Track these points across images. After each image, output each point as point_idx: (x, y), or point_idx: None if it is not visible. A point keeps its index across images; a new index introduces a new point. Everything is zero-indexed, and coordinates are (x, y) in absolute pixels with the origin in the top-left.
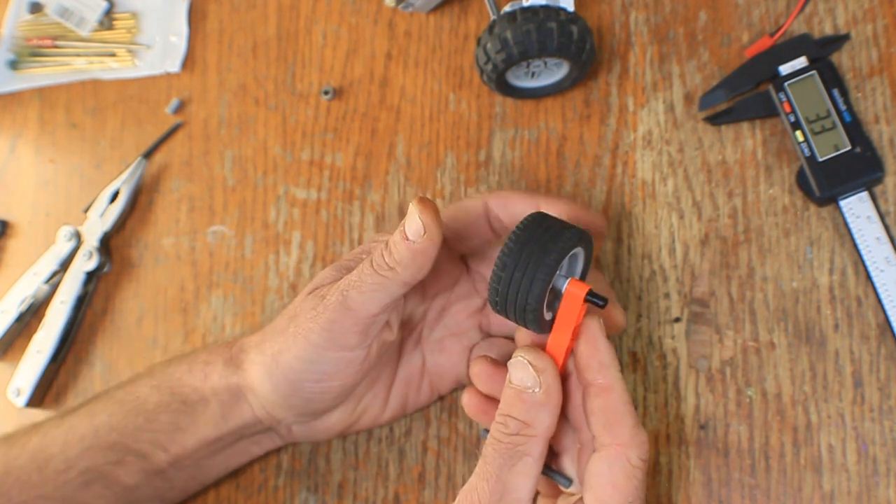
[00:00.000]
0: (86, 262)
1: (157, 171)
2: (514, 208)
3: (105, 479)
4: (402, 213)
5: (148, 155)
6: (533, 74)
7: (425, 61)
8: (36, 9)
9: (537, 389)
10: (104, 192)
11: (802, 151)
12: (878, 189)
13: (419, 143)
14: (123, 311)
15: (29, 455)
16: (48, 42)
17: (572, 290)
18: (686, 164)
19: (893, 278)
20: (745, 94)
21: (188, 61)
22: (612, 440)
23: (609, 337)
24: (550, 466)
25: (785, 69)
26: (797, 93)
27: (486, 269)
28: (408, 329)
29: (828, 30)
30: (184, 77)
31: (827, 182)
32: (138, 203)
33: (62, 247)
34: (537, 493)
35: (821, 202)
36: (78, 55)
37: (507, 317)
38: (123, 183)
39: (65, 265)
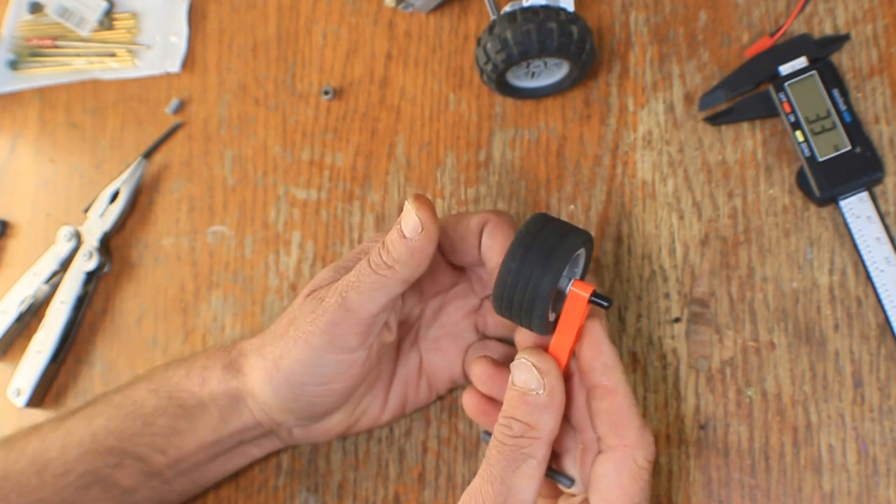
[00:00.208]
0: (86, 263)
1: (157, 171)
2: (495, 239)
3: (104, 482)
4: (401, 213)
5: (148, 155)
6: (533, 74)
7: (425, 61)
8: (36, 9)
9: (541, 391)
10: (104, 192)
11: (802, 151)
12: (878, 189)
13: (419, 143)
14: (123, 312)
15: (28, 459)
16: (48, 42)
17: (576, 290)
18: (686, 164)
19: (893, 278)
20: (745, 95)
21: (188, 61)
22: (618, 442)
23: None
24: (552, 467)
25: (785, 69)
26: (797, 93)
27: (482, 270)
28: (405, 328)
29: (828, 30)
30: (184, 77)
31: (827, 182)
32: (138, 203)
33: (62, 247)
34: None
35: (821, 202)
36: (78, 55)
37: (511, 318)
38: (123, 183)
39: (65, 265)
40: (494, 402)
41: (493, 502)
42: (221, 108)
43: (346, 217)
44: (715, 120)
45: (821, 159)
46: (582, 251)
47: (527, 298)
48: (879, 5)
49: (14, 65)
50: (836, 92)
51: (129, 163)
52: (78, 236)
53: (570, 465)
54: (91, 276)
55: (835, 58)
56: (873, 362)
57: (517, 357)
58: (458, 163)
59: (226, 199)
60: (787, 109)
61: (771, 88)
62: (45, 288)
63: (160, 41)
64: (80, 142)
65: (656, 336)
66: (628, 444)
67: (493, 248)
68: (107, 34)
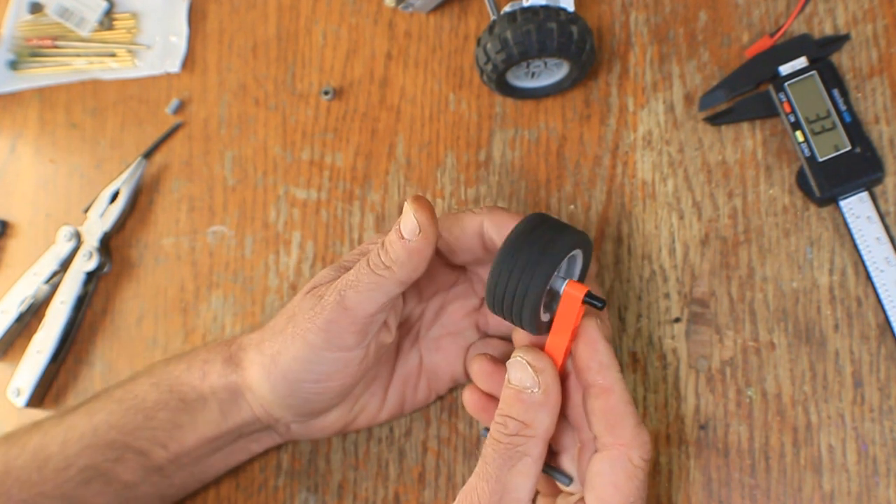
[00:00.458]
0: (86, 263)
1: (157, 171)
2: (506, 232)
3: (105, 476)
4: (401, 214)
5: (148, 155)
6: (533, 75)
7: (425, 61)
8: (36, 9)
9: (536, 390)
10: (104, 193)
11: (802, 151)
12: (878, 189)
13: (419, 143)
14: (123, 312)
15: (29, 454)
16: (48, 42)
17: (570, 291)
18: (686, 164)
19: (893, 278)
20: (745, 95)
21: (188, 61)
22: (614, 440)
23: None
24: (550, 465)
25: (785, 69)
26: (797, 93)
27: (483, 270)
28: (405, 328)
29: (828, 30)
30: (184, 77)
31: (827, 182)
32: (138, 203)
33: (62, 247)
34: (537, 493)
35: (821, 202)
36: (78, 55)
37: (503, 317)
38: (123, 183)
39: (65, 265)
40: (494, 399)
41: (488, 500)
42: (221, 108)
43: (346, 217)
44: (715, 120)
45: (821, 159)
46: (578, 252)
47: (517, 297)
48: (879, 5)
49: (14, 65)
50: (836, 92)
51: (129, 163)
52: (78, 236)
53: (568, 464)
54: (91, 276)
55: (835, 58)
56: (873, 362)
57: (513, 355)
58: (458, 163)
59: (226, 199)
60: (787, 109)
61: (771, 88)
62: (45, 288)
63: (160, 41)
64: (80, 142)
65: (656, 336)
66: (624, 443)
67: (500, 241)
68: (107, 34)
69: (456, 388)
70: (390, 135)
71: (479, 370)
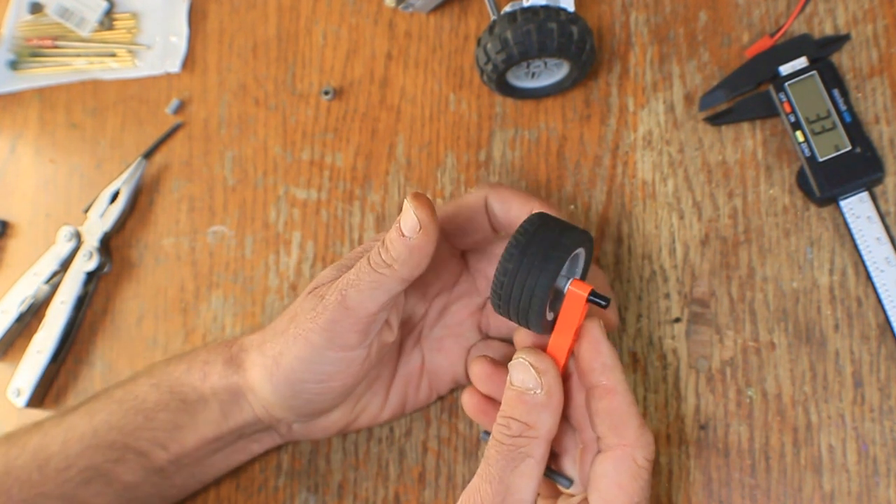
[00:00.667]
0: (86, 263)
1: (157, 171)
2: (511, 208)
3: (105, 476)
4: (401, 211)
5: (148, 155)
6: (533, 75)
7: (425, 61)
8: (36, 9)
9: (539, 391)
10: (104, 193)
11: (803, 152)
12: (878, 189)
13: (419, 143)
14: (123, 312)
15: (29, 454)
16: (48, 42)
17: (574, 290)
18: (686, 164)
19: (893, 278)
20: (745, 95)
21: (188, 61)
22: (617, 441)
23: (609, 337)
24: (550, 467)
25: (785, 69)
26: (797, 93)
27: (486, 267)
28: (408, 328)
29: (828, 30)
30: (184, 77)
31: (827, 182)
32: (138, 203)
33: (62, 247)
34: (537, 495)
35: (821, 202)
36: (78, 55)
37: (508, 317)
38: (123, 183)
39: (65, 265)
40: (494, 402)
41: (491, 501)
42: (221, 109)
43: (347, 217)
44: (715, 120)
45: (821, 159)
46: (581, 251)
47: (524, 297)
48: (879, 5)
49: (14, 65)
50: (836, 92)
51: (130, 163)
52: (78, 236)
53: (569, 465)
54: (91, 276)
55: (835, 58)
56: (873, 362)
57: (515, 357)
58: (459, 163)
59: (226, 200)
60: (788, 109)
61: (771, 88)
62: (46, 288)
63: (160, 41)
64: (80, 142)
65: (656, 336)
66: (628, 444)
67: (511, 210)
68: (107, 34)
69: (456, 388)
70: (390, 135)
71: (479, 372)
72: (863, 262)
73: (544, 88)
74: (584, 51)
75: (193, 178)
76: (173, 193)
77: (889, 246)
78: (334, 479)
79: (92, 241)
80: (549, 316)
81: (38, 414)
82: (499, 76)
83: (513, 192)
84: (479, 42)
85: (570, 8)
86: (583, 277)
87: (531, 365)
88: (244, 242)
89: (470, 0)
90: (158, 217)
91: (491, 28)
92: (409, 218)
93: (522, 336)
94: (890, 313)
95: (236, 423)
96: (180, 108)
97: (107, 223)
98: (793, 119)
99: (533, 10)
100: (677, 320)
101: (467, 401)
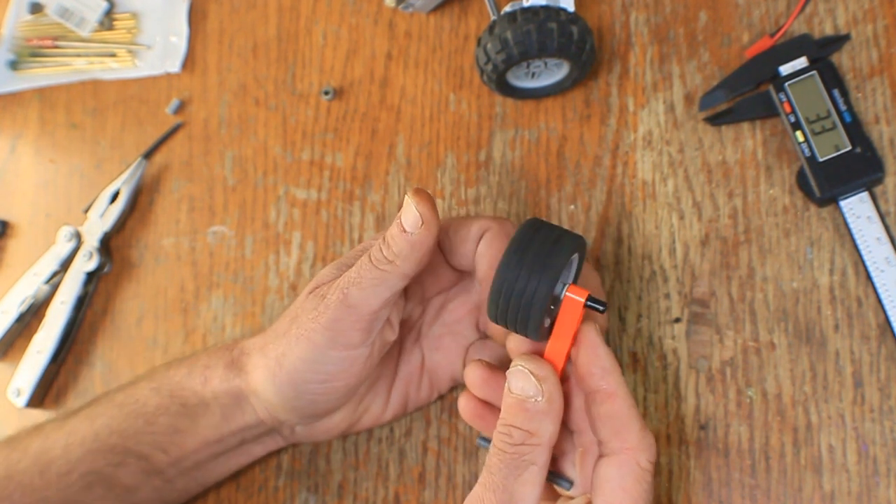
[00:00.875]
0: (86, 263)
1: (157, 171)
2: (491, 247)
3: (106, 481)
4: (401, 208)
5: (148, 155)
6: (533, 75)
7: (425, 61)
8: (36, 9)
9: (540, 398)
10: (104, 193)
11: (803, 152)
12: (878, 189)
13: (419, 143)
14: (123, 312)
15: (31, 458)
16: (48, 42)
17: (572, 296)
18: (686, 164)
19: (894, 278)
20: (745, 95)
21: (188, 61)
22: (620, 445)
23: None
24: (551, 470)
25: (785, 69)
26: (797, 93)
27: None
28: (407, 327)
29: (828, 30)
30: (184, 77)
31: (827, 182)
32: (138, 203)
33: (62, 247)
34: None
35: (821, 202)
36: (78, 55)
37: (505, 326)
38: (124, 183)
39: (65, 265)
40: (491, 407)
41: None
42: (221, 109)
43: (347, 217)
44: (715, 120)
45: (821, 159)
46: (575, 256)
47: (522, 306)
48: (880, 5)
49: (14, 65)
50: (836, 92)
51: (130, 163)
52: (78, 236)
53: (569, 468)
54: (91, 277)
55: (835, 58)
56: (873, 362)
57: (513, 364)
58: (459, 163)
59: (226, 200)
60: (788, 109)
61: (771, 89)
62: (46, 288)
63: (160, 41)
64: (81, 142)
65: (656, 336)
66: (630, 447)
67: (486, 257)
68: (107, 34)
69: (456, 387)
70: (390, 135)
71: (475, 377)
72: (863, 262)
73: (544, 88)
74: (584, 51)
75: (193, 178)
76: (173, 193)
77: (889, 246)
78: (334, 479)
79: (92, 241)
80: (547, 322)
81: (37, 414)
82: (499, 76)
83: (501, 241)
84: (479, 42)
85: (570, 8)
86: (575, 281)
87: (531, 372)
88: (244, 242)
89: (470, 0)
90: (158, 217)
91: (491, 28)
92: (411, 213)
93: (517, 342)
94: (890, 313)
95: (238, 426)
96: (180, 108)
97: (107, 223)
98: (793, 119)
99: (533, 10)
100: (677, 320)
101: (463, 405)
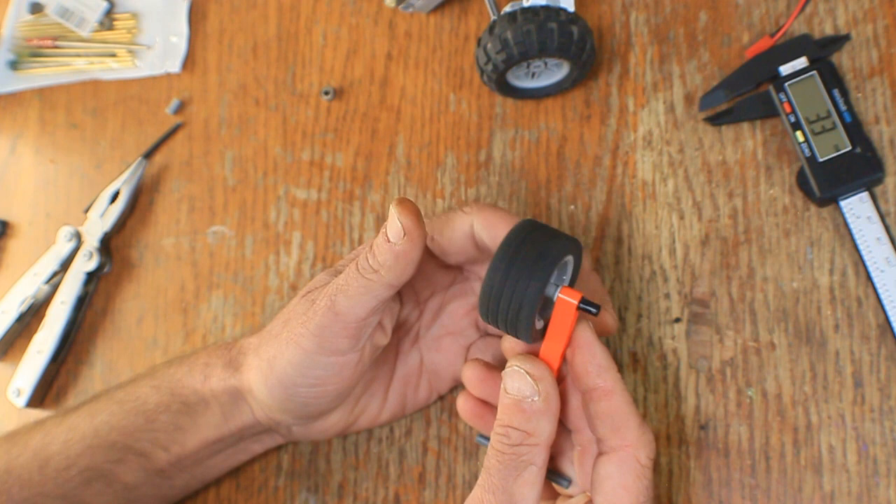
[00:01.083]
0: (86, 263)
1: (157, 171)
2: (497, 234)
3: (106, 477)
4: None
5: (148, 155)
6: (533, 75)
7: (425, 62)
8: (36, 9)
9: (536, 398)
10: (104, 193)
11: (803, 152)
12: (878, 189)
13: (419, 143)
14: (124, 312)
15: (31, 453)
16: (48, 42)
17: (564, 298)
18: (686, 164)
19: (894, 279)
20: (745, 95)
21: (188, 62)
22: (619, 442)
23: (603, 339)
24: (549, 469)
25: (785, 69)
26: (797, 93)
27: (480, 268)
28: (404, 329)
29: (828, 30)
30: (184, 77)
31: (827, 182)
32: (139, 203)
33: (62, 247)
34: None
35: (821, 202)
36: (78, 55)
37: (497, 327)
38: (124, 183)
39: (65, 265)
40: (489, 406)
41: None
42: (222, 109)
43: (347, 217)
44: (715, 120)
45: (821, 159)
46: (570, 258)
47: (512, 308)
48: (880, 5)
49: (14, 65)
50: (836, 92)
51: (130, 163)
52: (78, 236)
53: (567, 466)
54: (91, 277)
55: (835, 58)
56: (873, 362)
57: (508, 364)
58: (459, 163)
59: (226, 200)
60: (788, 109)
61: (771, 89)
62: (46, 288)
63: (160, 41)
64: (81, 142)
65: (656, 336)
66: (630, 444)
67: (498, 235)
68: (107, 34)
69: (457, 387)
70: (390, 135)
71: (472, 376)
72: (863, 262)
73: (544, 88)
74: (584, 51)
75: (193, 179)
76: (173, 193)
77: (889, 246)
78: (334, 479)
79: (92, 241)
80: (539, 324)
81: (38, 414)
82: (499, 76)
83: (500, 216)
84: (479, 42)
85: (570, 8)
86: (572, 283)
87: (527, 373)
88: (244, 242)
89: (470, 0)
90: (158, 217)
91: (491, 28)
92: (394, 224)
93: (512, 342)
94: (890, 313)
95: (237, 425)
96: (180, 108)
97: (107, 223)
98: (793, 119)
99: (533, 10)
100: (677, 320)
101: (462, 405)
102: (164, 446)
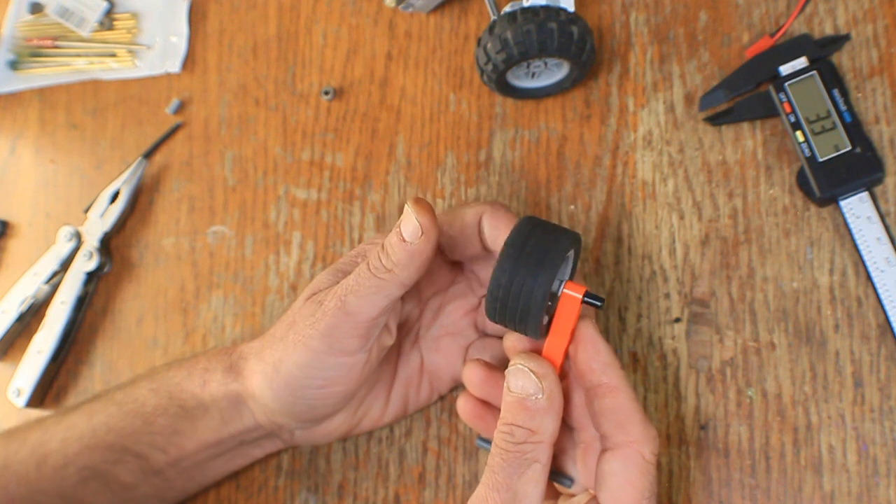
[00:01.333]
0: (86, 263)
1: (157, 171)
2: (500, 233)
3: (103, 477)
4: (402, 214)
5: (148, 155)
6: (533, 75)
7: (425, 61)
8: (36, 9)
9: (540, 396)
10: (104, 193)
11: (803, 152)
12: (878, 189)
13: (419, 143)
14: (124, 312)
15: (28, 450)
16: (48, 42)
17: (569, 292)
18: (686, 164)
19: (894, 279)
20: (745, 95)
21: (188, 61)
22: (624, 438)
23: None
24: (552, 468)
25: (785, 69)
26: (797, 93)
27: (479, 269)
28: (405, 329)
29: (828, 30)
30: (184, 77)
31: (827, 182)
32: (139, 203)
33: (62, 247)
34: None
35: (821, 202)
36: (78, 55)
37: (504, 325)
38: (124, 183)
39: (65, 265)
40: (489, 406)
41: None
42: (222, 109)
43: (347, 217)
44: (715, 120)
45: (821, 159)
46: (571, 252)
47: (521, 305)
48: (880, 5)
49: (14, 65)
50: (836, 92)
51: (130, 163)
52: (78, 236)
53: (569, 465)
54: (91, 277)
55: (835, 58)
56: (873, 362)
57: (511, 362)
58: (459, 163)
59: (226, 200)
60: (788, 109)
61: (771, 88)
62: (46, 288)
63: (160, 41)
64: (81, 142)
65: (656, 336)
66: (634, 440)
67: (500, 237)
68: (107, 34)
69: (457, 387)
70: (390, 135)
71: (472, 377)
72: (863, 262)
73: (544, 88)
74: (584, 51)
75: (193, 178)
76: (173, 193)
77: (889, 246)
78: (334, 479)
79: (92, 241)
80: (545, 320)
81: (38, 414)
82: (499, 76)
83: (509, 219)
84: (479, 42)
85: (570, 8)
86: (571, 277)
87: (531, 370)
88: (244, 242)
89: (470, 0)
90: (158, 217)
91: (491, 28)
92: (411, 223)
93: (514, 341)
94: (890, 313)
95: (237, 429)
96: (180, 108)
97: (107, 223)
98: (793, 119)
99: (533, 10)
100: (677, 320)
101: (462, 406)
102: (162, 448)
